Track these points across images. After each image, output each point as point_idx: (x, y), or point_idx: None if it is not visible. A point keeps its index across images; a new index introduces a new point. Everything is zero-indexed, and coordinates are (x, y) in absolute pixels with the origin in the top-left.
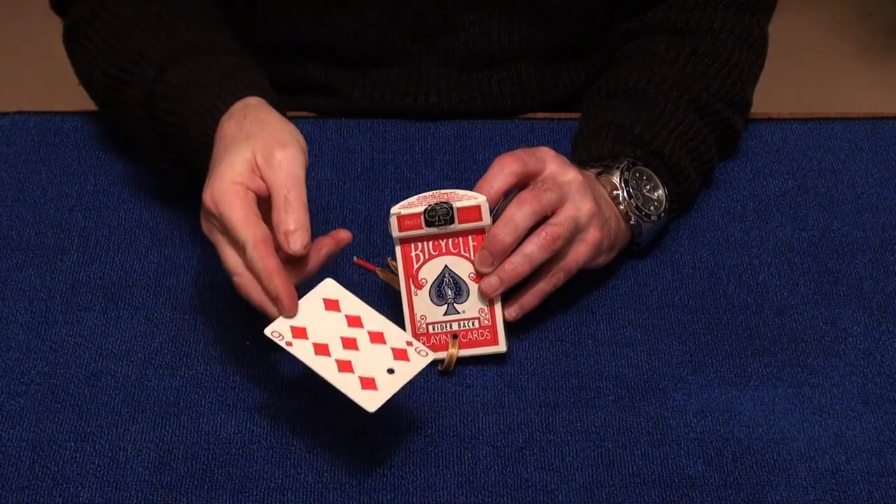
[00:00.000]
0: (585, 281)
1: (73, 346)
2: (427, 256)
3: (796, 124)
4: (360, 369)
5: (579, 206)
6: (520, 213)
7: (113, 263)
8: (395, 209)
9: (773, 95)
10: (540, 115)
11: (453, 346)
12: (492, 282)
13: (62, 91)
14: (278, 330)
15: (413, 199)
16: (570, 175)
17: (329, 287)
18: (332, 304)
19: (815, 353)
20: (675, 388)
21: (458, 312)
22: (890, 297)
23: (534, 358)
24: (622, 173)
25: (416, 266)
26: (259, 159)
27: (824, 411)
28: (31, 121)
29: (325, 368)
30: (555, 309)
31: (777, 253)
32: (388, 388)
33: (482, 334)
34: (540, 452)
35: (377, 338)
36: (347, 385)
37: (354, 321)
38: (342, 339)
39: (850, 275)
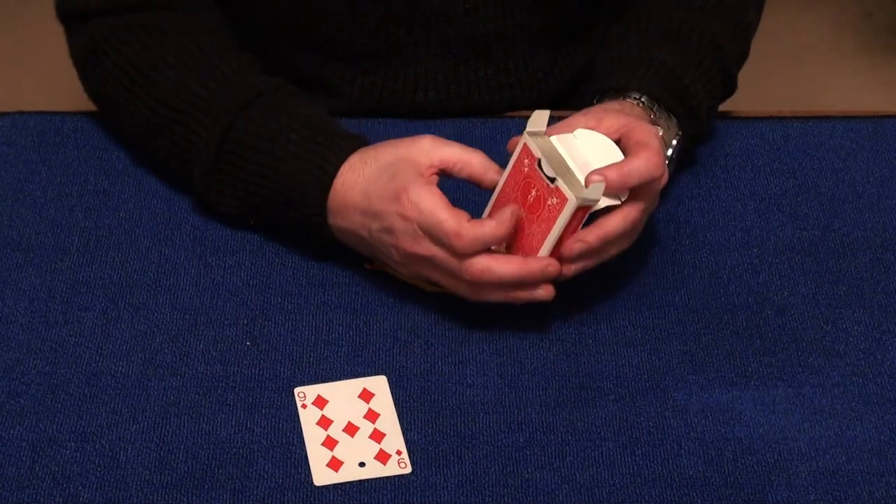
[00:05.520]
0: (586, 280)
1: (73, 346)
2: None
3: (797, 123)
4: (339, 451)
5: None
6: (612, 251)
7: (113, 263)
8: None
9: (774, 95)
10: None
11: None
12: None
13: (62, 91)
14: (305, 392)
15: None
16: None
17: (376, 382)
18: (366, 395)
19: (815, 353)
20: (675, 388)
21: None
22: (891, 296)
23: (534, 357)
24: (676, 135)
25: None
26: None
27: (825, 411)
28: (31, 121)
29: (312, 436)
30: (555, 308)
31: (778, 252)
32: (346, 475)
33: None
34: (540, 452)
35: (376, 436)
36: (315, 454)
37: (371, 416)
38: (349, 422)
39: (850, 274)
